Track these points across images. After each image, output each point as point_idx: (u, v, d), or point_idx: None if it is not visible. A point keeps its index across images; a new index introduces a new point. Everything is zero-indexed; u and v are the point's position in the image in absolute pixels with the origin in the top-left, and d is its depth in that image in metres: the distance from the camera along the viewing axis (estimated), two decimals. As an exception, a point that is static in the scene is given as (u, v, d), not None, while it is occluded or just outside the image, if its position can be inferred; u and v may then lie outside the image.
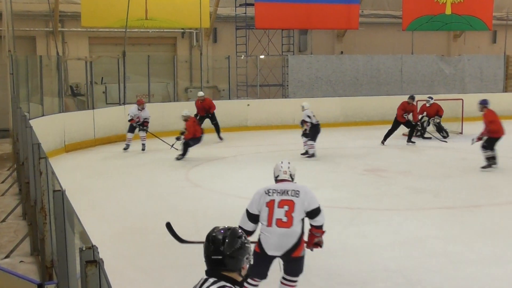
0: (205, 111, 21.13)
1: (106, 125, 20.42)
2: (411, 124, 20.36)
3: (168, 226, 7.41)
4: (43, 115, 18.21)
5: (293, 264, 6.78)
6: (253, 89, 26.39)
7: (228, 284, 3.60)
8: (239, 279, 3.73)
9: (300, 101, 23.68)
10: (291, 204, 6.65)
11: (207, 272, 3.70)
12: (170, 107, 23.05)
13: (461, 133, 22.15)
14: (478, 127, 21.13)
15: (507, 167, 16.55)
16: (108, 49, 25.63)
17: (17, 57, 18.59)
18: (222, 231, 3.75)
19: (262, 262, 6.73)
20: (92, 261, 3.31)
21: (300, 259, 6.77)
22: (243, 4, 26.51)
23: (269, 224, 6.63)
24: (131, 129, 19.09)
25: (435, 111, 21.47)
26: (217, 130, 21.25)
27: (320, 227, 6.85)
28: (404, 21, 27.77)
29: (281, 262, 6.79)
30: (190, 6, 24.70)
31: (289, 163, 7.19)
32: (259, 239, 6.73)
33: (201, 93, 21.59)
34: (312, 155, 17.40)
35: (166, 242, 9.77)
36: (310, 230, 6.90)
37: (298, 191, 6.74)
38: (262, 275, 6.83)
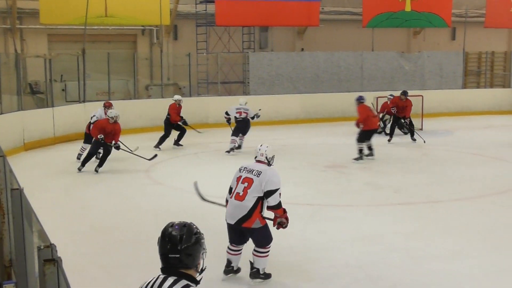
0: (180, 116, 19.39)
1: (66, 123, 20.22)
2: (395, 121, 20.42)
3: (195, 184, 8.63)
4: (1, 113, 18.00)
5: (252, 235, 7.76)
6: (214, 86, 26.37)
7: (191, 283, 3.58)
8: (196, 275, 3.71)
9: (261, 98, 23.82)
10: (250, 182, 7.62)
11: (163, 270, 3.66)
12: (131, 105, 22.95)
13: (421, 129, 22.36)
14: (439, 123, 21.53)
15: (467, 162, 16.79)
16: (67, 47, 25.37)
17: (-26, 54, 18.37)
18: (177, 227, 3.70)
19: (229, 229, 7.86)
20: (50, 259, 3.29)
21: (254, 231, 7.67)
22: (204, 1, 26.46)
23: (231, 196, 7.73)
24: (88, 140, 16.49)
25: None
26: (182, 136, 19.49)
27: (273, 208, 7.63)
28: (364, 18, 27.92)
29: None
30: (150, 3, 24.56)
31: (267, 146, 8.04)
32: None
33: (179, 96, 19.71)
34: (229, 151, 17.92)
35: (127, 240, 9.78)
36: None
37: (260, 172, 7.66)
38: (235, 241, 7.92)
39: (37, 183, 13.73)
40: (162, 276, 3.63)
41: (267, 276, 7.94)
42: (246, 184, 7.65)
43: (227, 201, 7.87)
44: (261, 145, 8.08)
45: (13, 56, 20.86)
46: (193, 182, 8.69)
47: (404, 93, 20.20)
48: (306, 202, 12.17)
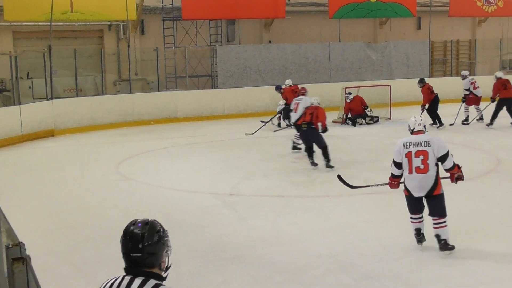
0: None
1: (33, 120, 20.00)
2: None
3: (339, 177, 9.67)
4: (-33, 112, 17.79)
5: (435, 202, 8.31)
6: (182, 81, 26.27)
7: (161, 282, 3.48)
8: (162, 273, 3.61)
9: (230, 91, 23.82)
10: (425, 154, 8.21)
11: (127, 270, 3.52)
12: (99, 101, 22.79)
13: (390, 118, 22.49)
14: (407, 112, 21.60)
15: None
16: (33, 43, 25.12)
17: None
18: (139, 225, 3.56)
19: (414, 201, 8.46)
20: (19, 258, 3.24)
21: (441, 196, 8.31)
22: (170, -5, 26.37)
23: (410, 172, 8.30)
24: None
25: (359, 105, 21.50)
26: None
27: (450, 169, 8.38)
28: (330, 9, 27.97)
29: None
30: (116, -2, 24.44)
31: (420, 117, 8.67)
32: (405, 185, 8.46)
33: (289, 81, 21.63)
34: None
35: (97, 237, 9.69)
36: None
37: (429, 141, 8.26)
38: (418, 210, 8.52)
39: (5, 182, 13.61)
40: (128, 277, 3.48)
41: (453, 246, 8.38)
42: (422, 157, 8.21)
43: (396, 176, 8.59)
44: (414, 117, 8.63)
45: (-22, 54, 20.61)
46: (337, 176, 9.80)
47: (420, 81, 20.71)
48: (277, 194, 12.16)
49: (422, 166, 8.19)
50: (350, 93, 21.45)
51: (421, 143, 8.24)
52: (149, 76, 26.44)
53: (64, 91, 23.48)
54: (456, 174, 8.41)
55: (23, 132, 19.63)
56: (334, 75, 27.22)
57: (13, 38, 25.59)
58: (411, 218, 8.62)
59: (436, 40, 31.56)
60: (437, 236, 8.34)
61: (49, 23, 22.09)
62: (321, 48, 27.39)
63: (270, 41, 29.54)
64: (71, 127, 21.13)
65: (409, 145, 8.30)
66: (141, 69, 26.91)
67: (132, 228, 3.56)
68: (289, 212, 10.88)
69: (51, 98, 21.48)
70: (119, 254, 3.52)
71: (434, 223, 8.35)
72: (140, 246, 3.49)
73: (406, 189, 8.45)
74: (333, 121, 22.23)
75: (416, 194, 8.32)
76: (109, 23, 26.95)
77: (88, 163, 16.03)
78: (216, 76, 26.13)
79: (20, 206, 11.53)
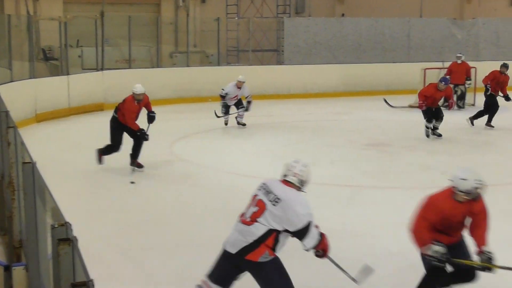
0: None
1: (81, 93, 20.29)
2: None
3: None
4: (11, 81, 18.09)
5: (255, 272, 6.16)
6: (244, 55, 26.30)
7: None
8: None
9: (297, 68, 23.72)
10: (262, 208, 6.14)
11: None
12: (153, 74, 22.95)
13: (474, 104, 22.12)
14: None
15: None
16: (84, 9, 25.45)
17: (-18, 16, 18.45)
18: None
19: (222, 263, 6.27)
20: (65, 239, 3.31)
21: (259, 265, 6.07)
22: (235, -40, 26.41)
23: (240, 218, 6.28)
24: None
25: (464, 73, 21.12)
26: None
27: (312, 248, 6.52)
28: (413, -20, 27.72)
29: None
30: (176, -39, 24.59)
31: (305, 166, 6.58)
32: None
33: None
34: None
35: (146, 221, 9.82)
36: None
37: (280, 200, 6.16)
38: (221, 282, 6.27)
39: (50, 158, 13.73)
40: None
41: None
42: (256, 209, 6.22)
43: None
44: (295, 162, 6.71)
45: (25, 18, 20.94)
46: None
47: (506, 65, 18.84)
48: (345, 183, 12.12)
49: (248, 219, 6.17)
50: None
51: (270, 194, 6.24)
52: (208, 48, 26.51)
53: (116, 62, 23.68)
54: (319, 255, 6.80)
55: (70, 105, 19.93)
56: (413, 54, 26.88)
57: (63, 2, 25.99)
58: None
59: (532, 17, 30.94)
60: None
61: (102, -13, 22.36)
62: (400, 23, 27.03)
63: (343, 15, 29.38)
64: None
65: (262, 188, 6.42)
66: (201, 40, 27.02)
67: None
68: (357, 204, 10.86)
69: (102, 69, 21.74)
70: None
71: None
72: None
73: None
74: (410, 105, 22.00)
75: (228, 248, 6.19)
76: (167, -12, 27.15)
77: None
78: (282, 51, 26.08)
79: (65, 185, 11.68)
